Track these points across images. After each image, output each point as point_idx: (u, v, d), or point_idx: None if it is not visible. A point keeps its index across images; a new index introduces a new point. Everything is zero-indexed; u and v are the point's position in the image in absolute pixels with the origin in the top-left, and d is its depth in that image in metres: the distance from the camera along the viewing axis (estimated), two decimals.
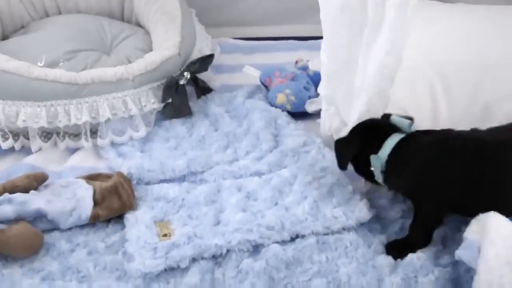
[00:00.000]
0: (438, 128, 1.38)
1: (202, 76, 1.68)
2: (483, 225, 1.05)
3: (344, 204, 1.27)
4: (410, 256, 1.13)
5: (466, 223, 1.12)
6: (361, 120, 1.29)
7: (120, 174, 1.33)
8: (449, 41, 1.61)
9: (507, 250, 0.98)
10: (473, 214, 1.11)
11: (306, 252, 1.16)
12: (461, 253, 1.05)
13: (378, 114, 1.30)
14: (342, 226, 1.21)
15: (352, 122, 1.32)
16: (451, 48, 1.58)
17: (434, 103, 1.45)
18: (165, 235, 1.20)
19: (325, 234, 1.20)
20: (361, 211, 1.24)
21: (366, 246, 1.18)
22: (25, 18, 1.92)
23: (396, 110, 1.44)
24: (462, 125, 1.38)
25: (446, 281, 1.09)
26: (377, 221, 1.27)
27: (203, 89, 1.68)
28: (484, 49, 1.55)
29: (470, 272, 1.05)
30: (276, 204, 1.29)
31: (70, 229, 1.24)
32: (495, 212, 1.08)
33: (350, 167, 1.29)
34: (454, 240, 1.17)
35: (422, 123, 1.41)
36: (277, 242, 1.17)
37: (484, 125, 1.36)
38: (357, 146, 1.25)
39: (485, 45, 1.57)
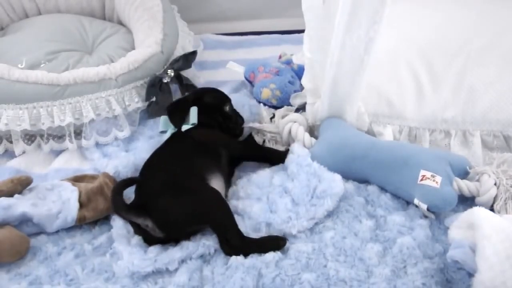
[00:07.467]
0: (423, 112, 1.38)
1: (186, 73, 1.66)
2: (469, 222, 1.04)
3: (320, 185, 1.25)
4: (399, 245, 1.13)
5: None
6: None
7: (105, 175, 1.32)
8: (432, 26, 1.61)
9: (504, 243, 0.97)
10: None
11: (294, 247, 1.15)
12: (453, 254, 1.04)
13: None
14: (324, 211, 1.21)
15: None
16: (434, 33, 1.58)
17: (418, 88, 1.45)
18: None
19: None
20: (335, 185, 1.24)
21: (353, 234, 1.17)
22: (4, 19, 1.89)
23: (378, 95, 1.45)
24: (448, 109, 1.39)
25: (435, 271, 1.08)
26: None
27: (187, 87, 1.67)
28: (468, 34, 1.55)
29: (458, 263, 1.05)
30: (259, 199, 1.27)
31: (56, 232, 1.24)
32: (480, 207, 1.07)
33: None
34: (440, 229, 1.18)
35: (407, 108, 1.42)
36: None
37: (469, 109, 1.37)
38: None
39: (469, 30, 1.57)
